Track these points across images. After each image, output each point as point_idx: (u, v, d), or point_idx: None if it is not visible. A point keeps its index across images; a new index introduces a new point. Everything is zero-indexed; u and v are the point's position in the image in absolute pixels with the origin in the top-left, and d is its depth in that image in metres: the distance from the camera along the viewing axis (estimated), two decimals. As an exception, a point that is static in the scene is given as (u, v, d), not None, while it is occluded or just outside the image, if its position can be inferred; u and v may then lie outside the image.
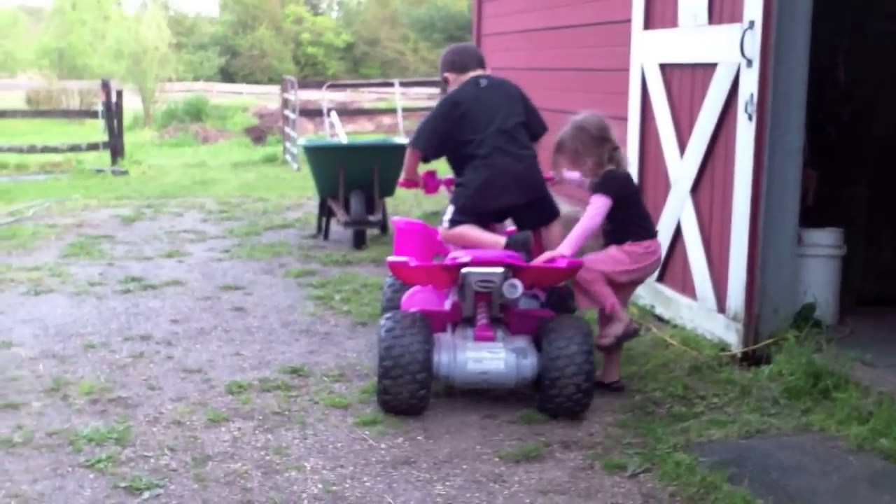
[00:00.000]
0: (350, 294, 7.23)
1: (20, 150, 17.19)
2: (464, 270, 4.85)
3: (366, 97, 28.35)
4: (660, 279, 6.36)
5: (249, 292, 7.32)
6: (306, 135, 19.38)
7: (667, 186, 6.31)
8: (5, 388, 5.15)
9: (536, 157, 5.45)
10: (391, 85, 22.24)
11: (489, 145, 5.31)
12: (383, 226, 9.51)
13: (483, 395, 5.07)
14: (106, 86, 17.11)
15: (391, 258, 5.08)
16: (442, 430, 4.66)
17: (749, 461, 4.15)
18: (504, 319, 5.08)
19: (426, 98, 24.40)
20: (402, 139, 10.38)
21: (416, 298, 5.43)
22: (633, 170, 6.74)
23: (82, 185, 13.99)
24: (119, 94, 17.34)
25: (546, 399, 4.78)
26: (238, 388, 5.19)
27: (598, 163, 5.14)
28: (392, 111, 21.51)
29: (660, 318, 6.27)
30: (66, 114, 22.97)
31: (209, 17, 60.15)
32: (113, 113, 16.94)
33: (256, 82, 48.65)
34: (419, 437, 4.57)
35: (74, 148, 17.07)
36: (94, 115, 18.42)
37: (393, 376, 4.74)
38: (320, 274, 7.95)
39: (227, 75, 51.04)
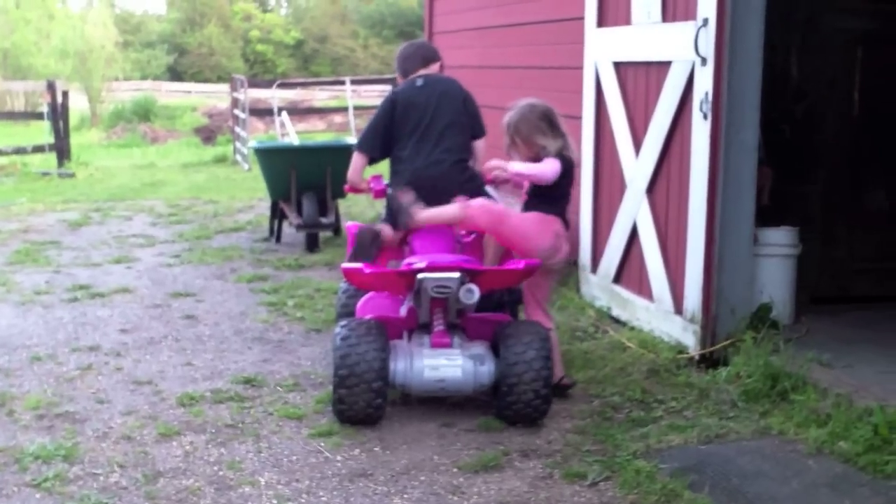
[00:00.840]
0: (303, 299, 7.13)
1: (-38, 154, 16.87)
2: (420, 276, 4.74)
3: (317, 95, 28.16)
4: (616, 280, 6.33)
5: (201, 299, 7.20)
6: (256, 135, 19.22)
7: (622, 186, 6.29)
8: (-52, 404, 5.01)
9: (462, 160, 5.33)
10: (343, 83, 22.12)
11: (409, 146, 5.28)
12: (336, 228, 9.41)
13: (440, 403, 5.01)
14: (51, 86, 16.83)
15: (345, 264, 4.99)
16: (399, 440, 4.58)
17: (709, 467, 4.13)
18: (461, 325, 4.98)
19: (378, 96, 24.27)
20: (354, 139, 10.28)
21: (371, 304, 5.31)
22: (587, 169, 6.73)
23: (28, 188, 13.75)
24: (65, 94, 17.06)
25: (504, 406, 4.72)
26: (190, 400, 5.08)
27: (546, 143, 4.96)
28: (344, 110, 21.37)
29: (616, 320, 6.24)
30: (11, 115, 22.56)
31: (156, 14, 59.45)
32: (59, 114, 16.67)
33: (205, 81, 48.18)
34: (376, 449, 4.49)
35: (19, 150, 16.77)
36: (39, 116, 18.11)
37: (348, 385, 4.64)
38: (273, 279, 7.85)
39: (175, 74, 50.48)
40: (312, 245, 8.93)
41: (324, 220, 9.07)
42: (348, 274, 4.93)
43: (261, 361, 5.76)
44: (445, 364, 4.76)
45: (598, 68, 6.65)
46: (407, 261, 4.96)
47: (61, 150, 16.54)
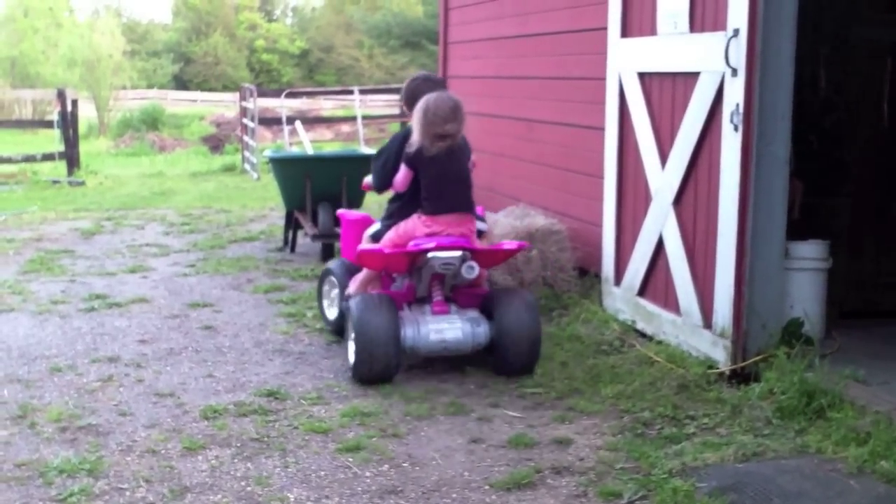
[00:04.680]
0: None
1: (-28, 162, 16.81)
2: (430, 255, 5.45)
3: (324, 105, 28.10)
4: (641, 293, 6.23)
5: (218, 309, 7.11)
6: (263, 144, 19.15)
7: (647, 198, 6.19)
8: (-32, 416, 4.91)
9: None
10: (351, 93, 22.04)
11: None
12: (353, 238, 9.29)
13: (467, 417, 4.92)
14: (61, 95, 16.76)
15: (362, 247, 5.77)
16: (427, 456, 4.49)
17: (748, 487, 4.02)
18: (452, 297, 5.75)
19: (385, 105, 24.22)
20: (369, 150, 10.21)
21: (361, 284, 6.01)
22: (610, 181, 6.64)
23: (39, 196, 13.68)
24: (74, 103, 16.99)
25: (502, 360, 5.53)
26: (213, 412, 4.99)
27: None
28: (351, 119, 21.30)
29: (642, 334, 6.14)
30: (20, 124, 22.50)
31: (162, 23, 59.56)
32: (68, 122, 16.60)
33: (211, 90, 48.24)
34: (405, 465, 4.39)
35: (29, 158, 16.72)
36: (48, 124, 18.06)
37: (370, 350, 5.34)
38: (290, 289, 7.76)
39: (180, 83, 50.55)
40: (328, 255, 8.83)
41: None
42: (365, 256, 5.66)
43: (283, 374, 5.66)
44: (447, 327, 5.54)
45: (621, 79, 6.56)
46: (413, 242, 5.58)
47: (71, 158, 16.47)
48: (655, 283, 6.11)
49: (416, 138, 5.59)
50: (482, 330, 5.56)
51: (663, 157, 6.03)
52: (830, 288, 5.93)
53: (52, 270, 8.42)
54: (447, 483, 4.19)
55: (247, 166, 17.83)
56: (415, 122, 5.60)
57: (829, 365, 5.03)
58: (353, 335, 5.45)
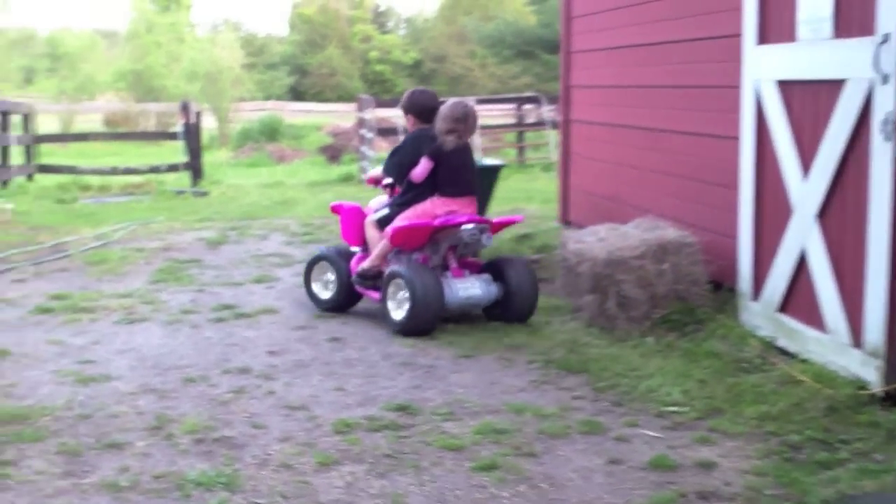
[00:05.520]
0: (449, 323, 6.93)
1: (102, 173, 17.26)
2: (463, 227, 6.77)
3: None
4: (782, 309, 5.97)
5: (344, 321, 7.08)
6: (380, 153, 19.19)
7: (787, 211, 5.93)
8: (107, 425, 4.94)
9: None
10: (466, 102, 22.02)
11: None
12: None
13: (604, 437, 4.75)
14: (185, 107, 17.10)
15: (394, 225, 6.89)
16: (565, 477, 4.33)
17: (913, 517, 3.78)
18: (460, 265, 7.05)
19: (501, 114, 24.11)
20: (492, 160, 10.10)
21: (377, 259, 7.10)
22: (747, 192, 6.39)
23: (164, 206, 13.93)
24: (198, 114, 17.31)
25: (510, 310, 6.89)
26: (345, 427, 4.92)
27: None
28: (467, 129, 21.26)
29: (783, 352, 5.87)
30: (145, 136, 23.07)
31: (279, 37, 60.58)
32: (192, 134, 16.92)
33: (326, 100, 48.81)
34: (542, 485, 4.25)
35: (154, 169, 17.10)
36: (171, 136, 18.44)
37: (426, 305, 6.50)
38: (415, 300, 7.67)
39: (296, 94, 51.28)
40: (453, 266, 8.75)
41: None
42: (398, 232, 6.85)
43: (412, 388, 5.57)
44: (470, 286, 6.88)
45: (758, 87, 6.32)
46: (441, 220, 6.81)
47: (195, 169, 16.78)
48: (798, 299, 5.84)
49: (438, 133, 6.94)
50: (493, 288, 6.92)
51: (805, 168, 5.77)
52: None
53: (180, 280, 8.52)
54: (588, 506, 4.04)
55: (363, 176, 17.89)
56: (437, 121, 6.95)
57: None
58: (407, 295, 6.54)
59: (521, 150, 21.56)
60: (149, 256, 9.70)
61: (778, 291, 6.00)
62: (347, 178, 18.24)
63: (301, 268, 9.00)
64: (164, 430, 4.87)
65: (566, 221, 10.44)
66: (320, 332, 6.80)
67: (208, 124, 27.46)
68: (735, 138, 6.66)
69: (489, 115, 25.21)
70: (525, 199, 14.06)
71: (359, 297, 7.32)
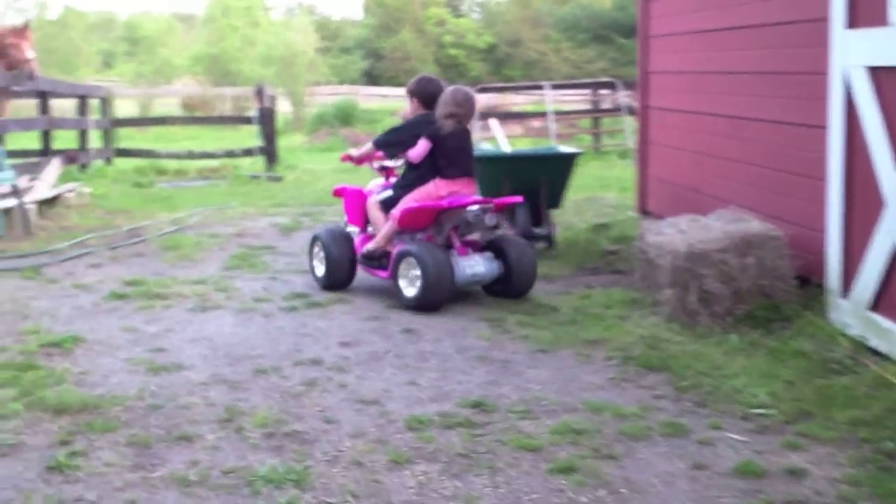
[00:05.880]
0: (525, 316, 6.78)
1: (178, 157, 17.38)
2: (468, 208, 7.13)
3: (514, 100, 27.92)
4: (873, 307, 5.70)
5: (418, 312, 6.94)
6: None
7: (880, 204, 5.65)
8: (178, 416, 4.87)
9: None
10: (541, 88, 21.79)
11: None
12: (550, 239, 9.03)
13: (686, 439, 4.56)
14: (260, 91, 17.12)
15: (401, 207, 7.22)
16: (647, 481, 4.15)
17: None
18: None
19: (580, 100, 23.80)
20: (568, 147, 9.90)
21: (382, 239, 7.40)
22: (835, 184, 6.12)
23: (239, 191, 13.96)
24: (272, 99, 17.33)
25: (512, 286, 7.23)
26: (418, 423, 4.79)
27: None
28: (542, 114, 21.03)
29: (875, 352, 5.59)
30: (221, 120, 23.21)
31: (353, 20, 60.72)
32: (267, 118, 16.93)
33: (400, 85, 48.68)
34: (623, 490, 4.07)
35: (230, 154, 17.17)
36: (246, 120, 18.50)
37: (439, 282, 6.84)
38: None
39: (371, 78, 51.34)
40: (526, 256, 8.59)
41: (538, 231, 8.73)
42: (406, 213, 7.17)
43: (487, 383, 5.42)
44: (475, 263, 7.18)
45: (847, 74, 6.03)
46: (447, 201, 7.16)
47: (270, 153, 16.80)
48: (891, 297, 5.56)
49: (438, 117, 7.27)
50: (496, 265, 7.23)
51: (901, 159, 5.49)
52: None
53: (254, 267, 8.47)
54: (671, 514, 3.86)
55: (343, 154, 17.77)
56: (438, 105, 7.29)
57: None
58: (419, 273, 6.86)
59: (596, 136, 21.26)
60: (223, 242, 9.69)
61: (869, 289, 5.73)
62: (420, 164, 18.07)
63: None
64: (234, 423, 4.78)
65: (644, 211, 10.18)
66: (393, 322, 6.68)
67: (283, 108, 27.59)
68: (822, 127, 6.38)
69: (564, 100, 24.90)
70: (601, 187, 13.83)
71: (352, 275, 7.65)
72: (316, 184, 14.94)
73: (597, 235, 9.59)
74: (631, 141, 16.53)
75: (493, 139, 10.46)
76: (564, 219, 10.51)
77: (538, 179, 8.74)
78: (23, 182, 10.98)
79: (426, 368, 5.68)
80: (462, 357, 5.91)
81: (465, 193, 7.27)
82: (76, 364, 5.69)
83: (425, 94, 7.52)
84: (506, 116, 21.39)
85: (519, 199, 7.76)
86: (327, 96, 33.21)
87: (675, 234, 6.70)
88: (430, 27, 56.37)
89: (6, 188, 10.14)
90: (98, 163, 16.70)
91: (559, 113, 20.12)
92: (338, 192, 7.97)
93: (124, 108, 26.30)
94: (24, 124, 14.59)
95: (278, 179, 15.57)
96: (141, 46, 37.60)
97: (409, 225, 7.27)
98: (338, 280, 7.58)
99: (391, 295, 7.33)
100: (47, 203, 11.07)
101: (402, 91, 34.62)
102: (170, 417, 4.86)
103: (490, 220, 7.18)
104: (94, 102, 17.71)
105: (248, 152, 17.16)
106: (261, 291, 7.55)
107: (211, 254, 9.11)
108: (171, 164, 17.15)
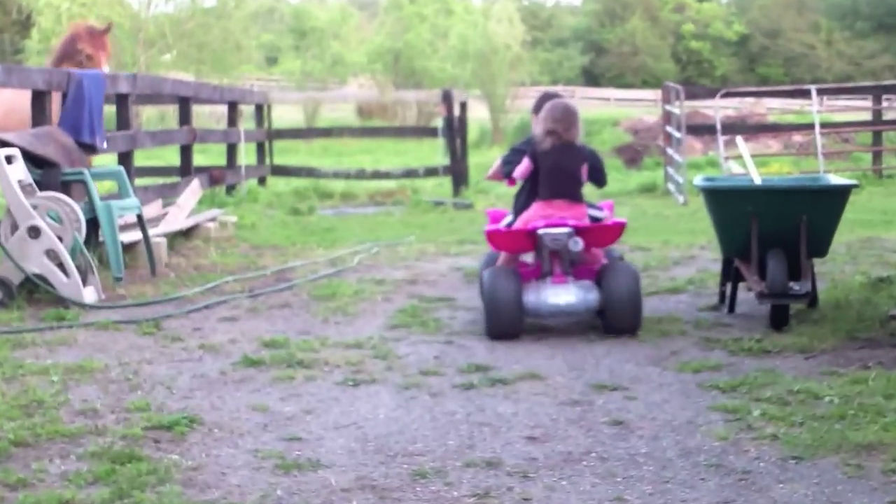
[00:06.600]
0: (774, 406, 6.30)
1: (347, 176, 17.58)
2: (540, 232, 7.93)
3: (769, 105, 27.17)
4: None
5: (632, 395, 6.57)
6: (693, 157, 18.62)
7: None
8: (307, 536, 4.65)
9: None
10: (805, 92, 21.01)
11: None
12: (813, 298, 8.49)
13: None
14: (447, 97, 17.13)
15: (487, 228, 8.62)
16: None
17: None
18: (573, 273, 8.09)
19: (850, 109, 22.89)
20: (840, 179, 9.31)
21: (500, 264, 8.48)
22: None
23: (418, 222, 13.96)
24: (463, 106, 17.31)
25: (609, 320, 7.99)
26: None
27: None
28: (806, 126, 20.26)
29: None
30: (400, 132, 23.47)
31: (570, 7, 60.94)
32: (455, 131, 16.91)
33: (627, 86, 48.51)
34: None
35: (410, 173, 17.28)
36: (432, 132, 18.56)
37: (496, 309, 7.83)
38: (728, 369, 7.09)
39: (590, 77, 51.32)
40: (780, 321, 8.11)
41: (796, 288, 8.23)
42: (490, 235, 8.32)
43: (720, 503, 4.98)
44: (563, 293, 7.95)
45: None
46: (532, 224, 8.07)
47: (458, 173, 16.79)
48: None
49: (537, 136, 8.41)
50: (593, 296, 7.95)
51: None
52: None
53: (425, 326, 8.34)
54: None
55: (670, 186, 17.38)
56: (537, 121, 8.51)
57: None
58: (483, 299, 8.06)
59: (877, 155, 20.33)
60: (389, 291, 9.62)
61: None
62: (649, 189, 17.82)
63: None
64: (379, 550, 4.52)
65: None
66: (598, 409, 6.32)
67: (479, 114, 27.67)
68: None
69: (835, 108, 23.99)
70: (884, 223, 13.19)
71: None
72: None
73: (876, 293, 9.04)
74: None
75: (741, 158, 10.00)
76: (832, 269, 10.05)
77: (798, 219, 8.23)
78: (153, 209, 11.19)
79: (638, 479, 5.28)
80: (686, 463, 5.48)
81: (561, 216, 8.03)
82: (188, 455, 5.56)
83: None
84: (758, 129, 20.75)
85: (622, 221, 8.51)
86: (534, 100, 33.19)
87: None
88: (666, 14, 56.01)
89: (130, 218, 10.32)
90: (249, 183, 17.02)
91: (828, 125, 19.32)
92: (489, 215, 9.48)
93: (288, 113, 26.95)
94: (160, 138, 14.69)
95: (468, 207, 15.50)
96: (310, 39, 38.58)
97: (504, 249, 8.41)
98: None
99: (597, 369, 6.98)
100: (182, 235, 11.25)
101: (628, 93, 34.36)
102: (298, 536, 4.65)
103: (574, 245, 7.88)
104: (247, 109, 18.10)
105: (431, 172, 17.19)
106: (430, 361, 7.36)
107: (373, 306, 9.03)
108: (338, 185, 17.38)
